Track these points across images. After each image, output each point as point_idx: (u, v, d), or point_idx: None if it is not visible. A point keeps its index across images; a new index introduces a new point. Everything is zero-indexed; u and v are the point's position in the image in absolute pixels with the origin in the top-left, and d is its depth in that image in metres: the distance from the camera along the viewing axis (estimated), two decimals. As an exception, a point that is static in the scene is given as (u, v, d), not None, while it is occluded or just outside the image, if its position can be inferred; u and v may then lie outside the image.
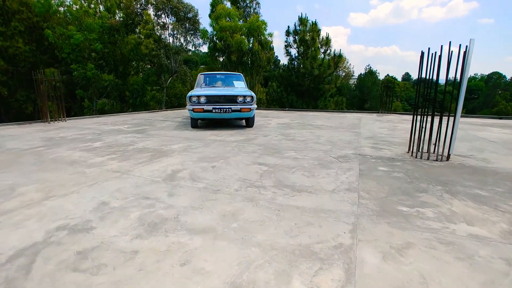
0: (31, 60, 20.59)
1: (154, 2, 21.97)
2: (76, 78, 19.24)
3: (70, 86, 20.32)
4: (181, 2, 22.22)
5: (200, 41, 21.96)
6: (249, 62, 16.76)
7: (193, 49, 27.64)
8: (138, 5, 22.14)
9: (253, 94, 6.19)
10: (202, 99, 6.04)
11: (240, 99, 6.14)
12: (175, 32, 22.99)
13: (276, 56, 32.73)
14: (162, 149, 4.18)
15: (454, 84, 3.31)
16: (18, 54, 19.47)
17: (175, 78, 24.44)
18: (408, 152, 4.04)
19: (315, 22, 17.63)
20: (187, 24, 23.41)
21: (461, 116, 4.88)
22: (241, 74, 7.87)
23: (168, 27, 23.06)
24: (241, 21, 19.32)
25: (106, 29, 21.00)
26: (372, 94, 50.74)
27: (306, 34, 17.78)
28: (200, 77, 7.53)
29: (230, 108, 6.00)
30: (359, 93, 50.43)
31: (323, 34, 17.66)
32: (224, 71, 17.96)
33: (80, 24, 20.10)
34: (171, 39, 22.87)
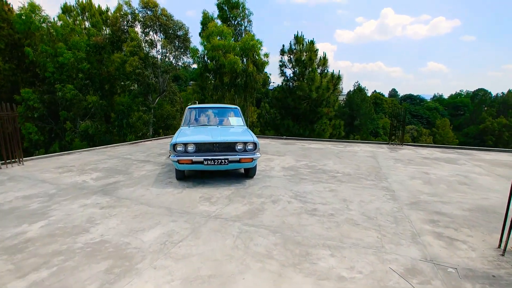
0: (11, 79, 19.02)
1: (142, 19, 20.85)
2: (60, 98, 17.73)
3: (53, 107, 18.77)
4: (171, 19, 21.18)
5: (191, 60, 20.84)
6: (243, 84, 15.55)
7: (183, 68, 26.52)
8: (125, 22, 20.96)
9: (256, 139, 4.87)
10: (190, 148, 4.68)
11: (240, 146, 4.81)
12: (164, 50, 21.85)
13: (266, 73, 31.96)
14: (126, 250, 2.77)
15: None
16: (-3, 73, 17.91)
17: (163, 97, 23.10)
18: (498, 248, 2.76)
19: (313, 41, 16.73)
20: (177, 42, 22.33)
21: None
22: (238, 107, 6.56)
23: (157, 45, 21.91)
24: (233, 39, 18.28)
25: (92, 47, 19.73)
26: (362, 111, 50.66)
27: (302, 54, 16.84)
28: (188, 113, 6.20)
29: (227, 159, 4.66)
30: (349, 110, 50.19)
31: (319, 53, 16.74)
32: (215, 92, 16.70)
33: (66, 42, 18.78)
34: (159, 57, 21.68)
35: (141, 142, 10.38)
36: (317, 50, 16.62)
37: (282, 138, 12.31)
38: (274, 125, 17.85)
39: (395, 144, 10.32)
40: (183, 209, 3.81)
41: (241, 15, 18.49)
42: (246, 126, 6.10)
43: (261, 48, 16.31)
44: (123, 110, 20.69)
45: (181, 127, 5.86)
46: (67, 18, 20.62)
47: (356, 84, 64.27)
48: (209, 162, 4.63)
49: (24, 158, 6.61)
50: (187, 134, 5.11)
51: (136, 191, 4.60)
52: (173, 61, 22.06)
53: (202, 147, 4.72)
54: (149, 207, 3.87)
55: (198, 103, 16.97)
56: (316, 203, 4.09)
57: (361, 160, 7.39)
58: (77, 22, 20.72)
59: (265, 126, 18.21)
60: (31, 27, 17.72)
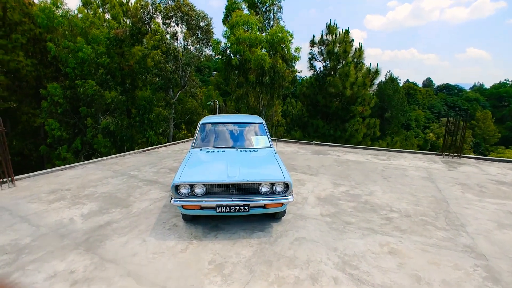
0: (34, 74, 18.87)
1: (163, 10, 19.86)
2: (81, 94, 17.33)
3: (75, 102, 18.48)
4: (193, 9, 20.02)
5: (213, 53, 19.66)
6: (270, 82, 14.10)
7: (204, 61, 25.44)
8: (146, 13, 20.07)
9: (288, 177, 3.54)
10: (199, 190, 3.49)
11: (266, 188, 3.55)
12: (185, 43, 20.83)
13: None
14: None
15: None
16: (20, 68, 17.76)
17: (184, 92, 22.21)
18: None
19: (347, 30, 14.90)
20: (199, 33, 21.20)
21: None
22: (263, 122, 5.24)
23: (178, 37, 20.91)
24: (259, 31, 16.74)
25: (112, 40, 19.10)
26: (394, 102, 47.14)
27: (335, 46, 15.07)
28: (200, 130, 4.98)
29: (247, 205, 3.43)
30: (379, 102, 47.01)
31: (355, 44, 14.88)
32: (238, 92, 15.40)
33: (86, 36, 18.27)
34: (181, 50, 20.68)
35: (154, 149, 9.40)
36: (352, 40, 14.80)
37: (312, 144, 10.89)
38: (301, 123, 16.38)
39: (451, 156, 8.59)
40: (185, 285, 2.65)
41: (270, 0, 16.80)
42: (273, 147, 4.81)
43: (292, 41, 14.65)
44: (145, 105, 20.05)
45: (191, 149, 4.68)
46: (87, 11, 20.09)
47: (388, 73, 60.19)
48: (223, 209, 3.43)
49: (19, 176, 5.79)
50: (194, 166, 3.90)
51: (128, 243, 3.51)
52: (195, 54, 20.99)
53: (214, 189, 3.52)
54: (137, 285, 2.75)
55: (218, 102, 15.80)
56: (376, 285, 2.78)
57: (416, 184, 5.89)
58: (97, 14, 20.09)
59: (291, 125, 16.77)
60: (54, 22, 17.25)
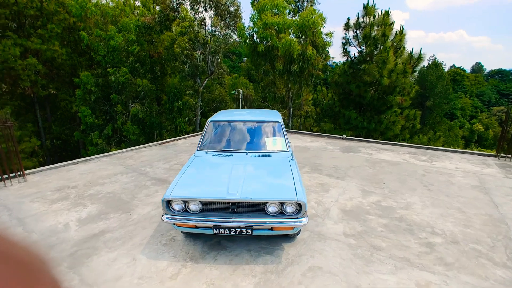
0: (69, 62, 19.51)
1: (192, -5, 19.38)
2: (113, 82, 17.60)
3: (106, 90, 18.90)
4: (222, -7, 19.34)
5: (238, 39, 18.94)
6: (298, 71, 13.12)
7: (232, 47, 24.77)
8: (174, -1, 19.73)
9: (302, 196, 2.83)
10: (193, 206, 2.94)
11: (274, 207, 2.90)
12: (213, 29, 20.26)
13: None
14: None
15: None
16: (56, 57, 18.41)
17: (211, 80, 21.82)
18: None
19: (388, 11, 13.37)
20: (228, 19, 20.51)
21: None
22: (280, 120, 4.50)
23: (206, 23, 20.38)
24: (290, 14, 15.64)
25: (141, 27, 19.09)
26: (437, 90, 43.05)
27: (373, 29, 13.64)
28: (208, 129, 4.40)
29: (250, 227, 2.83)
30: (420, 89, 43.27)
31: (395, 27, 13.33)
32: (265, 80, 14.56)
33: (116, 24, 18.42)
34: (209, 36, 20.17)
35: (173, 141, 9.07)
36: (392, 23, 13.27)
37: (342, 138, 9.97)
38: (332, 114, 15.26)
39: (509, 157, 7.28)
40: None
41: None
42: (291, 150, 4.11)
43: (324, 25, 13.44)
44: (175, 93, 20.00)
45: (196, 151, 4.13)
46: (118, -1, 20.16)
47: (431, 58, 55.06)
48: (222, 230, 2.86)
49: (31, 170, 5.69)
50: (193, 176, 3.34)
51: (116, 262, 3.09)
52: (223, 40, 20.38)
53: (212, 206, 2.95)
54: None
55: (242, 91, 15.15)
56: None
57: (465, 196, 4.90)
58: (128, 2, 20.12)
59: (321, 116, 15.70)
60: (87, 12, 17.51)
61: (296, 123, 20.52)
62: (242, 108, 18.74)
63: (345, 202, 4.64)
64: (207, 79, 21.03)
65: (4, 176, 5.07)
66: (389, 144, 9.13)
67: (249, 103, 18.90)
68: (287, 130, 11.26)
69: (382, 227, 3.85)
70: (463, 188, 5.33)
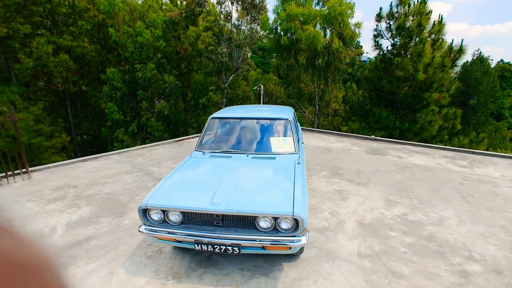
0: (98, 59, 20.14)
1: (218, -12, 19.13)
2: (140, 78, 17.88)
3: (133, 86, 19.28)
4: (249, -14, 18.88)
5: (262, 32, 18.40)
6: (324, 65, 12.32)
7: (259, 42, 24.22)
8: (200, -7, 19.58)
9: (300, 212, 2.32)
10: (173, 217, 2.52)
11: (265, 222, 2.39)
12: (239, 23, 19.88)
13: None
14: None
15: None
16: (85, 53, 19.07)
17: (236, 76, 21.49)
18: None
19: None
20: (253, 12, 20.03)
21: None
22: (289, 117, 3.92)
23: (232, 17, 20.05)
24: (318, 4, 14.76)
25: (168, 23, 19.19)
26: (482, 87, 39.35)
27: (407, 19, 12.48)
28: (209, 126, 3.95)
29: (238, 245, 2.35)
30: (463, 86, 39.74)
31: (433, 16, 12.08)
32: (291, 75, 13.85)
33: (144, 20, 18.69)
34: (234, 30, 19.82)
35: (187, 139, 8.79)
36: (430, 12, 12.05)
37: (370, 139, 9.14)
38: (361, 112, 14.27)
39: None
40: None
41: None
42: (299, 153, 3.55)
43: (352, 15, 12.49)
44: (200, 89, 19.92)
45: (192, 153, 3.71)
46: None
47: (476, 52, 50.60)
48: (204, 247, 2.41)
49: (38, 167, 5.63)
50: (178, 182, 2.90)
51: (92, 275, 2.75)
52: (248, 34, 19.92)
53: (194, 217, 2.51)
54: None
55: (263, 88, 14.59)
56: None
57: (515, 213, 4.06)
58: (156, -2, 20.31)
59: (350, 114, 14.73)
60: (115, 9, 17.90)
61: (323, 121, 19.63)
62: (263, 104, 18.24)
63: (364, 213, 4.00)
64: (232, 75, 20.73)
65: (9, 173, 5.00)
66: (423, 146, 8.17)
67: (272, 99, 18.32)
68: (311, 129, 10.63)
69: (405, 247, 3.20)
70: (510, 201, 4.45)
